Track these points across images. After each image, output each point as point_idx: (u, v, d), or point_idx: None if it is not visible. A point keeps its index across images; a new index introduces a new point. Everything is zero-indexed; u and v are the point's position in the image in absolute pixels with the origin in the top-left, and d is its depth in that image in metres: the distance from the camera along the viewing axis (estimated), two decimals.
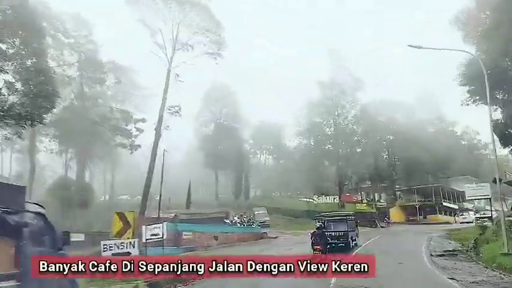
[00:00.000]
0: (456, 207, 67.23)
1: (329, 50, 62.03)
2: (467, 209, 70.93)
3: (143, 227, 16.02)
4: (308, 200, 60.41)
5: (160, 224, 15.76)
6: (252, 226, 37.03)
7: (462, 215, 56.93)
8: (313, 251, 16.71)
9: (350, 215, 26.11)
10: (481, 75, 26.39)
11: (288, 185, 74.04)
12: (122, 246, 13.30)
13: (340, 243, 22.33)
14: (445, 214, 64.32)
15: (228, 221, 36.29)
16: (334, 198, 56.84)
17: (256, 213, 49.20)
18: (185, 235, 30.13)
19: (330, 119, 60.28)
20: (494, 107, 29.59)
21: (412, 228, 44.59)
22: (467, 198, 32.40)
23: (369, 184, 73.57)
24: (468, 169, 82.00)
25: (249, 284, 11.88)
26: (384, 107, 67.33)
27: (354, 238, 24.57)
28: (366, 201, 61.24)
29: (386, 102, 68.05)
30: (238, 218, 38.26)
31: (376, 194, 71.44)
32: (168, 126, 35.10)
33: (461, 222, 48.46)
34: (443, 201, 63.81)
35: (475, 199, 34.39)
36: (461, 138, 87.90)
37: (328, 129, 61.56)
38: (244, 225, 36.52)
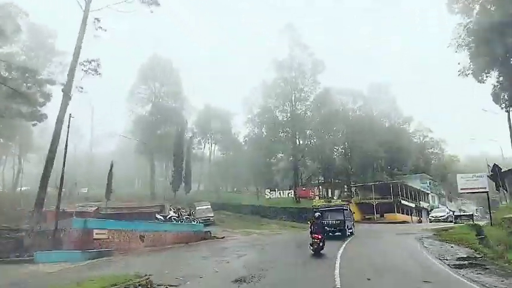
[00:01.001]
0: (413, 205, 63.75)
1: (286, 25, 54.74)
2: (422, 207, 68.12)
3: None
4: (259, 195, 53.45)
5: None
6: (193, 223, 28.99)
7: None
8: (312, 239, 17.12)
9: (345, 205, 28.16)
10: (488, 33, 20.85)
11: (236, 178, 66.59)
12: None
13: (337, 231, 23.83)
14: (402, 213, 60.43)
15: (161, 217, 27.92)
16: (288, 193, 50.27)
17: (198, 208, 41.42)
18: (97, 234, 21.69)
19: (286, 104, 53.40)
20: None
21: (378, 228, 39.03)
22: (459, 191, 26.72)
23: (321, 179, 68.06)
24: (420, 167, 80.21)
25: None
26: (343, 95, 62.29)
27: (350, 227, 25.86)
28: (321, 198, 55.03)
29: (345, 90, 63.13)
30: (174, 212, 29.85)
31: (329, 190, 66.11)
32: (81, 88, 25.89)
33: (430, 221, 42.80)
34: (402, 199, 59.76)
35: (470, 192, 29.02)
36: (413, 135, 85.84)
37: (283, 115, 54.74)
38: (182, 221, 28.38)
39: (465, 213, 33.76)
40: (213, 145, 70.13)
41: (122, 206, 38.80)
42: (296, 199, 49.38)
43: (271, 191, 50.17)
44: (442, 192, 79.89)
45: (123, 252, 21.82)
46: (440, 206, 73.54)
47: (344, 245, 19.84)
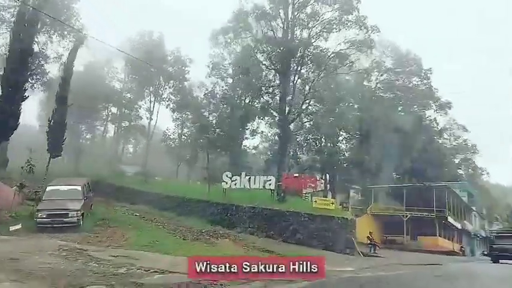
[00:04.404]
0: (459, 226, 41.12)
1: None
2: (466, 230, 45.72)
3: None
4: (211, 184, 30.20)
5: None
6: None
7: None
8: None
9: None
10: None
11: (193, 157, 42.81)
12: None
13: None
14: (445, 237, 37.95)
15: None
16: (265, 182, 26.34)
17: (49, 189, 18.20)
18: None
19: (276, 21, 29.23)
20: None
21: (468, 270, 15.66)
22: None
23: (316, 173, 44.31)
24: (450, 175, 58.25)
25: None
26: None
27: None
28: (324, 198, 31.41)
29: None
30: None
31: (329, 190, 43.07)
32: None
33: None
34: (449, 215, 37.20)
35: None
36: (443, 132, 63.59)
37: (268, 53, 30.69)
38: None
39: None
40: (158, 104, 45.00)
41: None
42: (279, 194, 26.02)
43: (233, 176, 26.55)
44: (483, 210, 57.57)
45: None
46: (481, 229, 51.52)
47: None
